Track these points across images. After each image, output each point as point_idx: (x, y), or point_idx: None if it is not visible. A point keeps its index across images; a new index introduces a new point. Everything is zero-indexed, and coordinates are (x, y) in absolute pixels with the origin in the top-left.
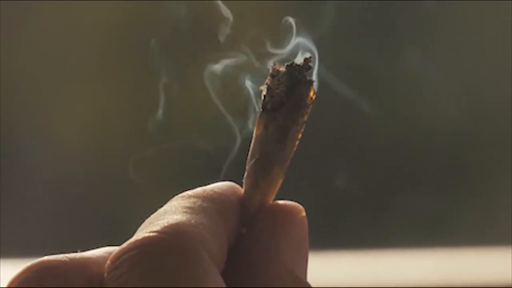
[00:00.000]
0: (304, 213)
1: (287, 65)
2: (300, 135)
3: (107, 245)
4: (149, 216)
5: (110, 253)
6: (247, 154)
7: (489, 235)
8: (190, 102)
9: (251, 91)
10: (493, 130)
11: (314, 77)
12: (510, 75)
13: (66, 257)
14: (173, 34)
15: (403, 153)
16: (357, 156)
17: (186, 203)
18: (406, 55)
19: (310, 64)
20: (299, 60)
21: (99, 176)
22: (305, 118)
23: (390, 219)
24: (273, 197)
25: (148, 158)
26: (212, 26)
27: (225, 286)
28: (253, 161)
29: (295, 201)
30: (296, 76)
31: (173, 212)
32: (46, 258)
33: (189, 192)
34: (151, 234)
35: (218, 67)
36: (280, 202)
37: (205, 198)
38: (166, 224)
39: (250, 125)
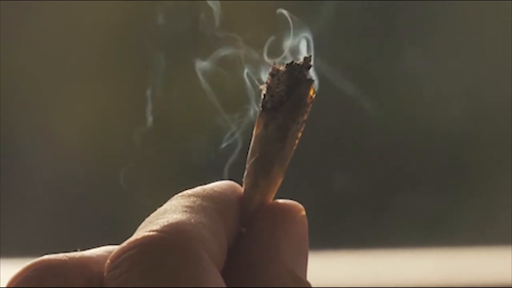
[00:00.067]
0: (304, 212)
1: (287, 64)
2: (300, 134)
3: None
4: (149, 216)
5: (110, 252)
6: (247, 153)
7: (489, 235)
8: (190, 101)
9: (252, 91)
10: (493, 130)
11: (314, 76)
12: (510, 75)
13: (66, 256)
14: (173, 34)
15: (403, 153)
16: (357, 156)
17: (186, 202)
18: (406, 55)
19: (310, 63)
20: (299, 59)
21: (99, 176)
22: (305, 117)
23: (390, 219)
24: (273, 196)
25: (148, 158)
26: (212, 26)
27: (224, 285)
28: (253, 160)
29: (295, 200)
30: (296, 75)
31: (173, 211)
32: (46, 257)
33: (189, 191)
34: (151, 233)
35: (218, 66)
36: (280, 201)
37: (205, 197)
38: (166, 223)
39: (250, 125)
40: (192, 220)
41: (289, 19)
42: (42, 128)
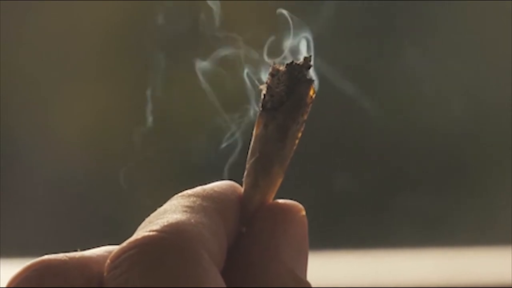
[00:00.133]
0: (304, 212)
1: (287, 64)
2: (300, 134)
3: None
4: (149, 215)
5: (110, 252)
6: (247, 153)
7: (489, 235)
8: (190, 101)
9: (252, 91)
10: (493, 130)
11: (314, 76)
12: (510, 75)
13: (66, 256)
14: (173, 34)
15: (403, 153)
16: (357, 156)
17: (186, 202)
18: (406, 55)
19: (310, 63)
20: (299, 59)
21: (99, 176)
22: (305, 117)
23: (390, 219)
24: (273, 196)
25: (148, 158)
26: (212, 26)
27: (224, 285)
28: (253, 160)
29: (295, 200)
30: (296, 75)
31: (172, 211)
32: (46, 257)
33: (189, 191)
34: (151, 233)
35: (218, 67)
36: (280, 201)
37: (205, 197)
38: (165, 223)
39: (250, 125)
40: (192, 220)
41: (289, 19)
42: (42, 128)
